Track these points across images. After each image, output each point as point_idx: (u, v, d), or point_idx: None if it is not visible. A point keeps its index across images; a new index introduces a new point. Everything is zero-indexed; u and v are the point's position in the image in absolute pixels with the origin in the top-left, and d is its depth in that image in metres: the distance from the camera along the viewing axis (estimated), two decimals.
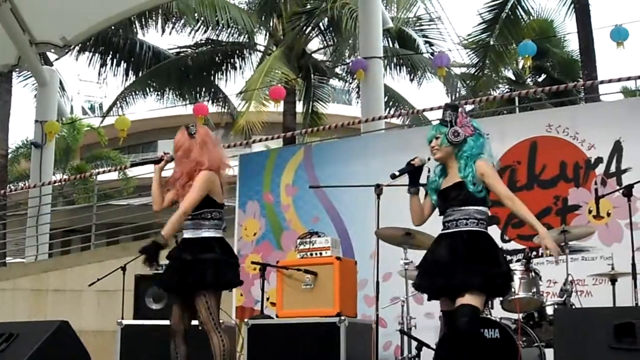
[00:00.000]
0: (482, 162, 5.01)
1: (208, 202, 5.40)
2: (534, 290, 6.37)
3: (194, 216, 5.40)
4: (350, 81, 20.55)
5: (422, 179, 5.26)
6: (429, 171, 5.25)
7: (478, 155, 5.02)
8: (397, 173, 5.17)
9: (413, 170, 5.18)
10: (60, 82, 16.78)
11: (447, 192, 5.04)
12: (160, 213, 5.72)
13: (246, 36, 19.82)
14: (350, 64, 15.54)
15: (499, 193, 5.02)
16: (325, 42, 20.40)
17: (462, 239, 4.87)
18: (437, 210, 5.17)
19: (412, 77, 19.76)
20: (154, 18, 19.27)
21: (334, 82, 22.25)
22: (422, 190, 5.25)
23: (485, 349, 4.83)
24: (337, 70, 21.08)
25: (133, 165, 5.81)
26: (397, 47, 19.76)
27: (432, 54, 19.04)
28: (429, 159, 5.17)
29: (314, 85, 19.95)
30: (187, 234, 5.45)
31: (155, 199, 5.60)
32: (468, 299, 4.69)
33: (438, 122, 5.21)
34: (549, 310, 6.37)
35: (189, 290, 5.32)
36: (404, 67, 19.63)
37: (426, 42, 20.29)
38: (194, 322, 5.43)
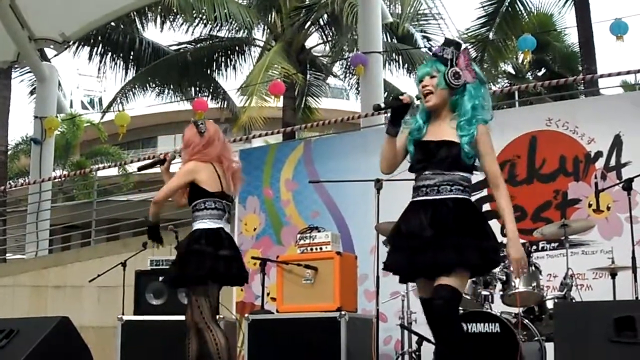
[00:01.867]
0: (484, 128, 4.24)
1: (199, 193, 5.38)
2: (534, 284, 6.37)
3: (192, 209, 5.42)
4: (350, 77, 20.58)
5: None
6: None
7: (482, 113, 4.25)
8: (383, 105, 4.36)
9: (399, 107, 4.27)
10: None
11: (431, 147, 4.23)
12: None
13: (245, 31, 19.82)
14: (350, 58, 15.55)
15: (489, 169, 4.25)
16: (324, 37, 20.41)
17: (448, 208, 4.14)
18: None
19: (410, 73, 19.77)
20: (153, 14, 19.28)
21: (331, 78, 22.29)
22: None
23: (461, 339, 4.17)
24: (337, 65, 21.12)
25: (140, 168, 5.78)
26: (396, 42, 19.76)
27: (429, 49, 19.06)
28: (418, 99, 4.32)
29: (309, 81, 19.97)
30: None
31: (175, 198, 5.62)
32: (450, 280, 4.03)
33: (434, 58, 4.36)
34: (549, 304, 6.37)
35: (182, 284, 5.32)
36: (403, 63, 19.63)
37: (425, 37, 20.32)
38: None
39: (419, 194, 4.24)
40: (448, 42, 4.37)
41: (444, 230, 4.08)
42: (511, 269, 4.30)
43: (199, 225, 5.37)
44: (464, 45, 4.37)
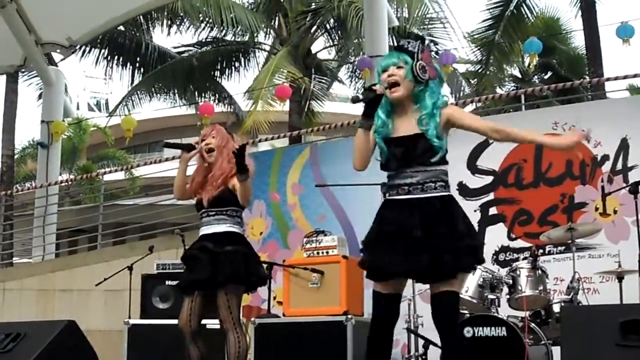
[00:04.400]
0: (448, 106, 4.15)
1: (235, 201, 5.36)
2: (541, 288, 6.37)
3: (219, 212, 5.37)
4: (356, 81, 20.60)
5: None
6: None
7: (442, 102, 4.12)
8: (361, 97, 4.04)
9: (375, 98, 4.04)
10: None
11: (407, 143, 4.07)
12: (166, 211, 5.71)
13: (251, 35, 19.84)
14: (356, 62, 15.56)
15: (485, 127, 4.16)
16: (331, 41, 20.43)
17: (437, 209, 4.01)
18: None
19: None
20: (159, 19, 19.32)
21: (336, 84, 22.34)
22: None
23: (461, 340, 4.27)
24: (343, 69, 21.16)
25: (165, 145, 5.79)
26: None
27: (436, 52, 19.08)
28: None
29: (315, 85, 20.02)
30: (209, 230, 5.37)
31: (180, 187, 5.54)
32: (454, 285, 4.02)
33: (394, 50, 4.22)
34: (556, 308, 6.37)
35: (218, 284, 5.24)
36: None
37: (431, 41, 20.31)
38: (204, 322, 5.40)
39: (399, 192, 4.10)
40: (411, 36, 4.22)
41: (436, 232, 3.95)
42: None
43: (233, 229, 5.37)
44: (427, 41, 4.27)
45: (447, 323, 4.06)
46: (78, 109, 30.66)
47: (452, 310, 4.07)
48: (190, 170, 5.64)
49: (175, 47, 20.72)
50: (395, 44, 4.33)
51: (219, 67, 20.05)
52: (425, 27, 19.95)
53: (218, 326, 5.30)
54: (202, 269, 5.26)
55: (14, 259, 14.40)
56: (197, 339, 5.29)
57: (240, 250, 5.29)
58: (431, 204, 4.01)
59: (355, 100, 4.06)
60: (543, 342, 6.10)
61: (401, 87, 4.07)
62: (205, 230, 5.39)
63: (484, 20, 17.50)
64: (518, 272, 6.44)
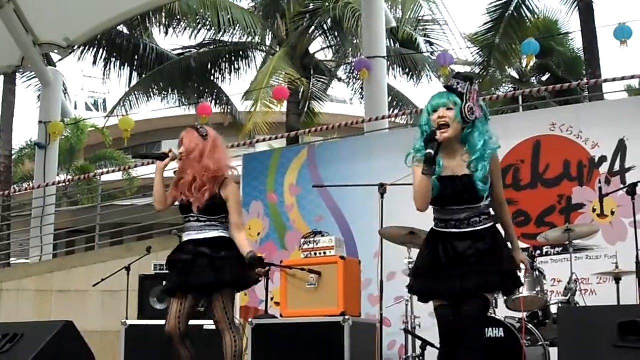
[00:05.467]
0: (496, 157, 4.43)
1: (225, 208, 5.38)
2: (538, 289, 6.37)
3: (210, 219, 5.37)
4: (354, 82, 20.62)
5: None
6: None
7: (490, 147, 4.35)
8: (433, 152, 4.20)
9: (439, 147, 4.25)
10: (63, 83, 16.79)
11: (456, 183, 4.33)
12: (163, 212, 5.68)
13: (249, 37, 19.85)
14: (354, 63, 15.58)
15: (498, 194, 4.48)
16: (328, 42, 20.44)
17: (484, 241, 4.33)
18: None
19: (414, 77, 19.79)
20: (157, 19, 19.31)
21: (334, 85, 22.36)
22: None
23: (482, 346, 4.37)
24: (341, 70, 21.18)
25: (136, 156, 5.80)
26: (399, 46, 19.79)
27: (431, 53, 19.13)
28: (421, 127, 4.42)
29: (313, 86, 20.03)
30: (200, 235, 5.36)
31: (160, 197, 5.48)
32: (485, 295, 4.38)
33: (445, 90, 4.43)
34: (553, 309, 6.37)
35: (211, 288, 5.27)
36: (407, 67, 19.65)
37: (427, 41, 20.35)
38: (192, 322, 5.40)
39: (447, 226, 4.39)
40: (460, 76, 4.43)
41: (484, 260, 4.29)
42: (523, 272, 4.81)
43: (224, 234, 5.38)
44: (475, 81, 4.42)
45: (471, 323, 4.31)
46: (76, 108, 30.59)
47: (479, 311, 4.35)
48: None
49: (174, 50, 20.74)
50: (445, 83, 4.54)
51: (216, 68, 20.04)
52: (420, 28, 20.00)
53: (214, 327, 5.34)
54: (203, 273, 5.28)
55: (11, 259, 14.41)
56: (186, 340, 5.30)
57: (234, 255, 5.32)
58: (479, 236, 4.35)
59: (431, 157, 4.19)
60: (540, 343, 6.09)
61: (450, 129, 4.28)
62: (195, 235, 5.39)
63: (485, 23, 17.51)
64: None
